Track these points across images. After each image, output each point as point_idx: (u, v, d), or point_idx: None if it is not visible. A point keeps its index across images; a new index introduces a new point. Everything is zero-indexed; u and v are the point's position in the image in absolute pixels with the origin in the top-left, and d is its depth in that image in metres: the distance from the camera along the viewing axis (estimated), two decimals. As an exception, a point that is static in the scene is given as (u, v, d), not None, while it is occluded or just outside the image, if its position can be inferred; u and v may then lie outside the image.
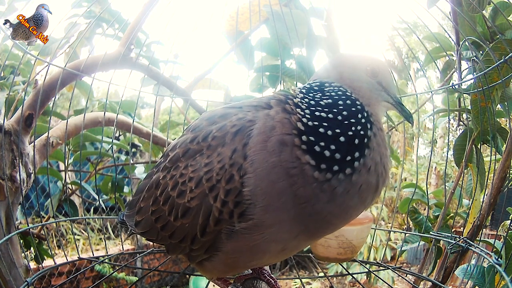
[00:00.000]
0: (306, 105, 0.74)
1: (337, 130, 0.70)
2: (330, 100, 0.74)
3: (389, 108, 0.82)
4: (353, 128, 0.71)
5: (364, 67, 0.80)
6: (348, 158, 0.68)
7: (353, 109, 0.73)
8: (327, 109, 0.72)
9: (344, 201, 0.69)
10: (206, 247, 0.76)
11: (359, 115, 0.73)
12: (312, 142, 0.69)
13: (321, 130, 0.70)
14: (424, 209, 3.41)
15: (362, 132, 0.71)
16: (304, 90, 0.78)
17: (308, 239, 0.80)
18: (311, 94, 0.76)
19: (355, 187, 0.69)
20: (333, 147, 0.68)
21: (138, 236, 3.87)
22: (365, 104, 0.76)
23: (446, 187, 1.74)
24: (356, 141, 0.70)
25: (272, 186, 0.68)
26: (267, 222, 0.69)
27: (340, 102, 0.74)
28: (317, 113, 0.72)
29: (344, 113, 0.72)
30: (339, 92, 0.76)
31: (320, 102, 0.74)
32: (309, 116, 0.72)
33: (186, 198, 0.76)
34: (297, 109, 0.73)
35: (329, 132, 0.69)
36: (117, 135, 2.48)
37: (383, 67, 0.81)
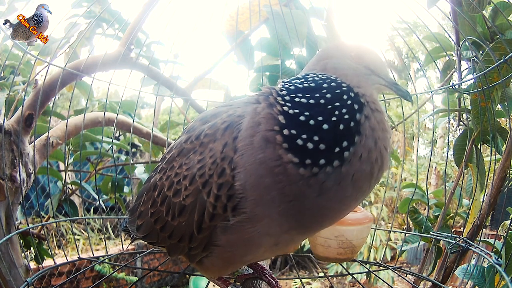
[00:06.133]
0: (287, 91, 0.71)
1: (319, 118, 0.65)
2: (312, 84, 0.70)
3: (383, 90, 0.79)
4: (336, 113, 0.65)
5: (348, 54, 0.76)
6: (337, 149, 0.64)
7: (338, 91, 0.68)
8: (308, 94, 0.68)
9: (336, 194, 0.66)
10: (204, 244, 0.76)
11: (345, 96, 0.67)
12: (293, 136, 0.65)
13: (302, 118, 0.65)
14: (424, 209, 3.41)
15: (347, 116, 0.65)
16: (287, 79, 0.76)
17: (303, 233, 0.78)
18: (293, 81, 0.73)
19: (346, 177, 0.65)
20: (316, 138, 0.64)
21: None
22: (353, 86, 0.71)
23: (446, 187, 1.74)
24: (341, 126, 0.64)
25: (260, 181, 0.67)
26: (259, 216, 0.69)
27: (325, 85, 0.69)
28: (297, 99, 0.68)
29: (328, 95, 0.67)
30: (323, 77, 0.72)
31: (300, 86, 0.71)
32: (289, 104, 0.68)
33: (181, 197, 0.76)
34: (278, 98, 0.70)
35: (311, 122, 0.65)
36: (117, 135, 2.48)
37: (368, 50, 0.77)
